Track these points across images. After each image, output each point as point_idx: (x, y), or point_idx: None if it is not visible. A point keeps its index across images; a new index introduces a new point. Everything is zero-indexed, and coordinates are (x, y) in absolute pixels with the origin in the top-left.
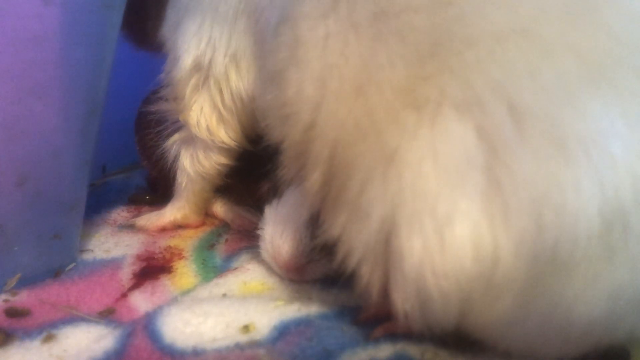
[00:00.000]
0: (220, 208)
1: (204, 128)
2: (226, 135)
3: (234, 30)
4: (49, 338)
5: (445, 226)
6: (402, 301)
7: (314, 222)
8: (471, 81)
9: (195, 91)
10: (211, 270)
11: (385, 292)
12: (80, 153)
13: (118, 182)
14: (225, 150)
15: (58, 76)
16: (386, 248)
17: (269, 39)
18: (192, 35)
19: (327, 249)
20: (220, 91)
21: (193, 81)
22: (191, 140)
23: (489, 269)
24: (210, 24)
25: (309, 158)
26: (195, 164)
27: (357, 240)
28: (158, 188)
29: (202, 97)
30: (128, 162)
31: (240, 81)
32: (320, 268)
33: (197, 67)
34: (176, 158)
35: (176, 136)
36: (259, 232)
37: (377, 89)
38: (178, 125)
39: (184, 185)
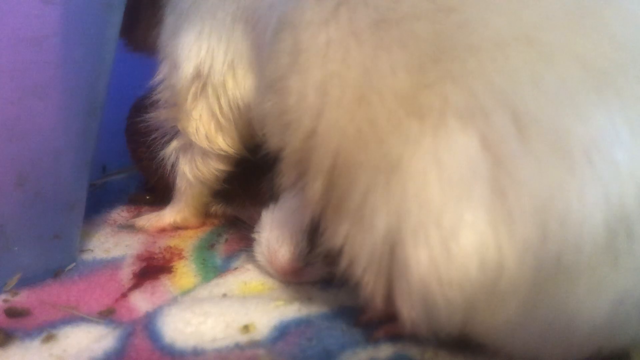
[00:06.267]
0: (225, 209)
1: (203, 135)
2: (224, 142)
3: (231, 37)
4: (49, 338)
5: (451, 236)
6: (408, 309)
7: (312, 226)
8: (474, 89)
9: (194, 99)
10: (211, 270)
11: (388, 299)
12: (80, 153)
13: (118, 182)
14: (223, 157)
15: (58, 76)
16: (390, 257)
17: (267, 46)
18: (192, 42)
19: (323, 253)
20: (218, 99)
21: (193, 89)
22: (189, 146)
23: (493, 277)
24: (209, 31)
25: (310, 166)
26: (193, 169)
27: (361, 250)
28: (156, 193)
29: (200, 105)
30: (128, 162)
31: (236, 89)
32: (316, 271)
33: (197, 75)
34: (175, 163)
35: (174, 143)
36: (255, 236)
37: (379, 97)
38: (175, 132)
39: (182, 189)
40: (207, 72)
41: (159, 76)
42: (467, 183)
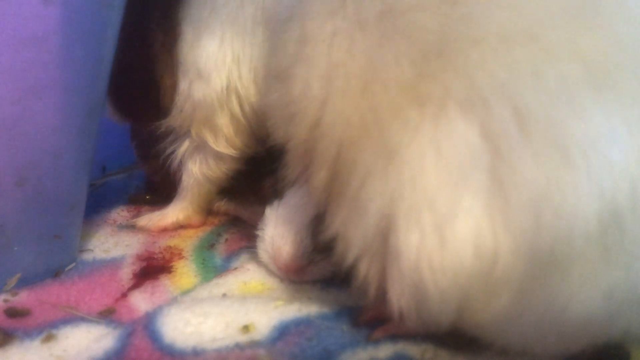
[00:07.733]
0: (227, 205)
1: (222, 140)
2: (242, 144)
3: (254, 42)
4: (49, 338)
5: (446, 222)
6: (398, 297)
7: (316, 223)
8: (476, 80)
9: (221, 108)
10: (211, 270)
11: (382, 289)
12: (80, 153)
13: (118, 182)
14: (237, 157)
15: (58, 76)
16: (384, 243)
17: (275, 37)
18: (216, 51)
19: (327, 251)
20: (242, 106)
21: (220, 98)
22: (202, 148)
23: (488, 266)
24: (231, 38)
25: (315, 157)
26: (204, 169)
27: (355, 235)
28: (157, 190)
29: (223, 113)
30: (128, 162)
31: (259, 94)
32: (320, 270)
33: (227, 85)
34: (182, 161)
35: (186, 144)
36: (258, 232)
37: (383, 87)
38: (186, 132)
39: (189, 187)
40: (235, 81)
41: (178, 92)
42: (465, 170)
